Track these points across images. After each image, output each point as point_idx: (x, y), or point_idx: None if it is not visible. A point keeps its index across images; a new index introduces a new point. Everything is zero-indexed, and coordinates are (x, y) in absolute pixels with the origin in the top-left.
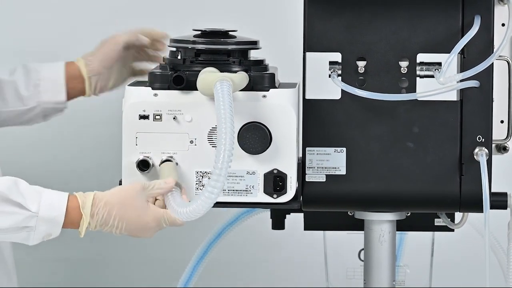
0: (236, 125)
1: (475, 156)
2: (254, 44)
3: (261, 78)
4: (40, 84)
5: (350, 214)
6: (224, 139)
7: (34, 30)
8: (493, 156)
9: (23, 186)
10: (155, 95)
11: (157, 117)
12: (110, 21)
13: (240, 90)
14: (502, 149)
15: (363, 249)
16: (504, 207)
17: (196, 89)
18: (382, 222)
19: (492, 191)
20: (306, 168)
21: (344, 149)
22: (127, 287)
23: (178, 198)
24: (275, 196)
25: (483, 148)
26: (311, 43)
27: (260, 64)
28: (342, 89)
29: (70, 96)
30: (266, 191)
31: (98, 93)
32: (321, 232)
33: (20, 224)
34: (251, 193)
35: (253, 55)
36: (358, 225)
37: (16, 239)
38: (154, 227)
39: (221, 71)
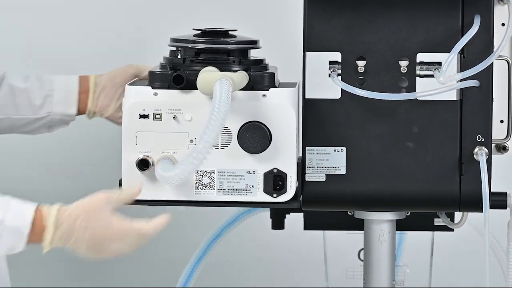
0: (235, 125)
1: (475, 156)
2: (254, 44)
3: (261, 78)
4: (53, 94)
5: (350, 213)
6: (216, 116)
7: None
8: (493, 156)
9: None
10: (155, 94)
11: (157, 116)
12: (109, 21)
13: (240, 90)
14: (502, 148)
15: (362, 249)
16: (504, 206)
17: (196, 89)
18: (381, 221)
19: (492, 190)
20: (306, 168)
21: (344, 148)
22: (127, 287)
23: (166, 164)
24: (275, 195)
25: (483, 147)
26: (311, 43)
27: (260, 64)
28: (342, 89)
29: (80, 110)
30: (266, 191)
31: (98, 111)
32: (321, 231)
33: None
34: (251, 192)
35: (253, 54)
36: (358, 224)
37: None
38: (124, 240)
39: (221, 71)
